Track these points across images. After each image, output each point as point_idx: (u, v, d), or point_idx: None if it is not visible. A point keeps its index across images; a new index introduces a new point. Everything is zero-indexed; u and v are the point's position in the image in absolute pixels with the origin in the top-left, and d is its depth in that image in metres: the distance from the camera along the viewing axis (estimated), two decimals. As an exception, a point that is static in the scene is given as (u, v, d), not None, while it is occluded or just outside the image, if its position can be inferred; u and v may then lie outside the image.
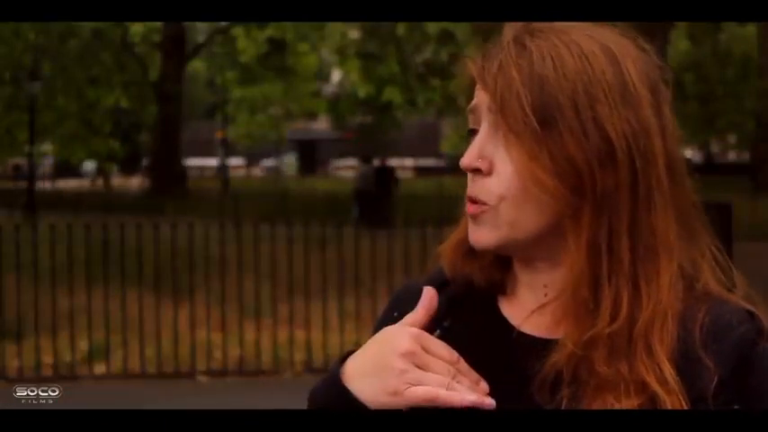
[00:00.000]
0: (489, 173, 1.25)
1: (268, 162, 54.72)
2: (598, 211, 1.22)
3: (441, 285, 1.35)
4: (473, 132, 1.29)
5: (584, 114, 1.22)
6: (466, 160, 1.25)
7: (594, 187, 1.22)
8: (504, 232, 1.25)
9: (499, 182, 1.24)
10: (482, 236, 1.26)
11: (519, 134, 1.22)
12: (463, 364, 1.23)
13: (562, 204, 1.22)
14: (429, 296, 1.25)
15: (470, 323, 1.33)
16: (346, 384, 1.22)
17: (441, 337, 1.31)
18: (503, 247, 1.26)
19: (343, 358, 1.26)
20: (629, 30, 1.30)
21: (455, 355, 1.22)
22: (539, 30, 1.27)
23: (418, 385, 1.18)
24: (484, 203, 1.25)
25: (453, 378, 1.20)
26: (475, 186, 1.25)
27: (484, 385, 1.22)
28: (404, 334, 1.22)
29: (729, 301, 1.27)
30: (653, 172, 1.23)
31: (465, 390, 1.19)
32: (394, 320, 1.30)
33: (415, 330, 1.22)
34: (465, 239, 1.32)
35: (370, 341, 1.25)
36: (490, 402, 1.19)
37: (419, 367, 1.20)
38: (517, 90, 1.22)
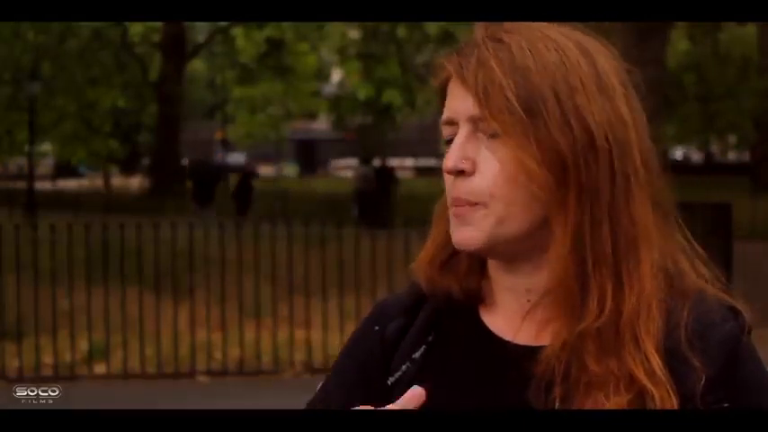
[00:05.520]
0: (473, 172, 1.25)
1: (267, 169, 54.43)
2: (581, 201, 1.23)
3: (421, 300, 1.35)
4: (450, 138, 1.28)
5: (565, 104, 1.23)
6: (450, 163, 1.25)
7: (579, 177, 1.22)
8: (493, 230, 1.24)
9: (484, 180, 1.24)
10: (469, 236, 1.25)
11: (505, 125, 1.22)
12: None
13: (548, 195, 1.23)
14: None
15: (454, 337, 1.32)
16: None
17: (425, 353, 1.31)
18: (489, 246, 1.26)
19: None
20: (593, 31, 1.31)
21: None
22: (512, 27, 1.28)
23: None
24: (473, 203, 1.25)
25: None
26: (460, 188, 1.25)
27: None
28: None
29: (711, 297, 1.27)
30: (629, 161, 1.25)
31: None
32: (375, 334, 1.34)
33: None
34: (439, 252, 1.32)
35: None
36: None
37: None
38: (500, 82, 1.23)
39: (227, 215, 18.91)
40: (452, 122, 1.28)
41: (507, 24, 1.28)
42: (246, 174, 28.16)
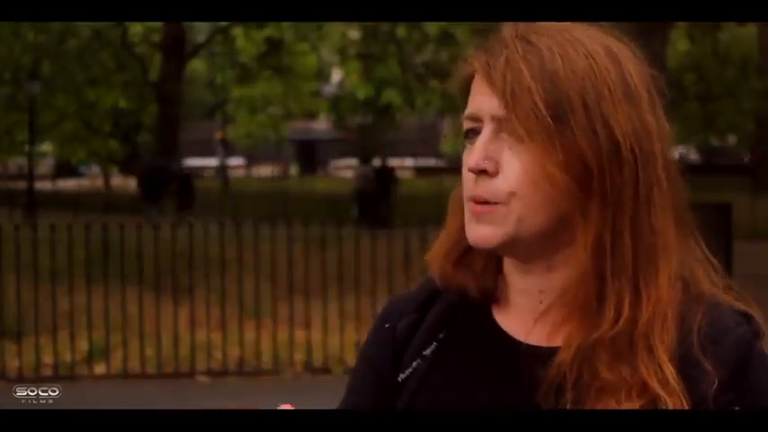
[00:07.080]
0: (496, 173, 1.24)
1: (266, 170, 54.39)
2: (604, 209, 1.22)
3: (433, 296, 1.35)
4: (472, 132, 1.27)
5: (593, 111, 1.22)
6: (472, 162, 1.24)
7: (603, 185, 1.22)
8: (509, 230, 1.24)
9: (506, 181, 1.23)
10: (485, 234, 1.25)
11: (530, 129, 1.21)
12: None
13: (570, 201, 1.22)
14: None
15: (466, 335, 1.32)
16: None
17: (436, 350, 1.31)
18: (504, 245, 1.25)
19: None
20: (623, 35, 1.31)
21: None
22: (542, 28, 1.27)
23: None
24: (494, 203, 1.24)
25: None
26: (482, 187, 1.24)
27: None
28: None
29: (724, 303, 1.27)
30: (653, 172, 1.24)
31: None
32: (386, 332, 1.34)
33: None
34: (454, 247, 1.32)
35: None
36: None
37: None
38: (528, 85, 1.21)
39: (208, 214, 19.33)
40: (476, 119, 1.27)
41: (536, 25, 1.27)
42: (186, 174, 29.34)
